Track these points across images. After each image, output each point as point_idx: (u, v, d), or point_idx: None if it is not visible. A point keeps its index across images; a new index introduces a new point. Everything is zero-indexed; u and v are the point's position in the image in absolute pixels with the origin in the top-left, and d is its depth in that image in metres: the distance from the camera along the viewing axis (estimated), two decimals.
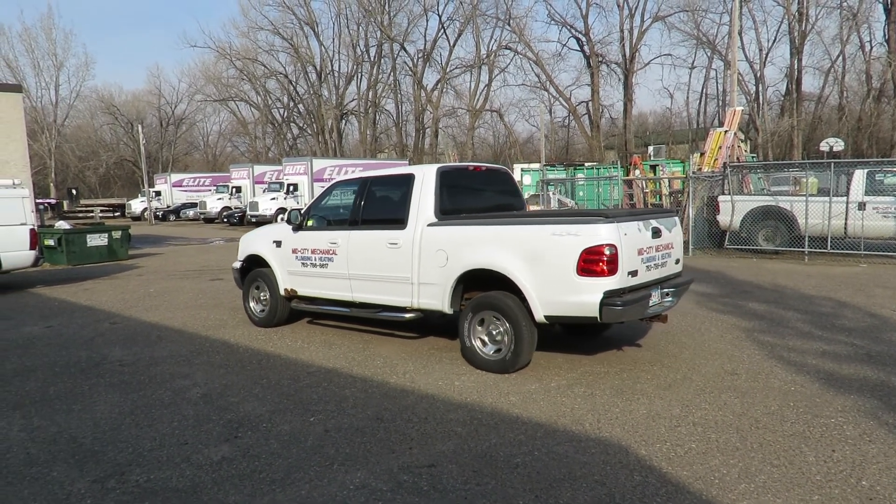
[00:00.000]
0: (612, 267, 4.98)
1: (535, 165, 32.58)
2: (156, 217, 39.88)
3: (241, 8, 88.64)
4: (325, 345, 6.76)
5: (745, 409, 4.55)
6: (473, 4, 50.51)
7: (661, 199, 15.85)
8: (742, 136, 20.86)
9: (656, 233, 5.56)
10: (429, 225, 6.09)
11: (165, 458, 3.95)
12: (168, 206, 42.77)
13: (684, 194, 15.18)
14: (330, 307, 7.17)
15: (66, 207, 43.52)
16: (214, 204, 35.83)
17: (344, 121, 59.22)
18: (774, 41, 45.87)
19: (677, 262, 6.03)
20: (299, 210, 7.44)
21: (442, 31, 53.62)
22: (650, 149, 37.38)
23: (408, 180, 6.42)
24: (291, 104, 60.84)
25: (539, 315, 5.35)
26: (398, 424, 4.41)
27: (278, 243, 7.59)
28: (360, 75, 57.26)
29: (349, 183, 7.27)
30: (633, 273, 5.22)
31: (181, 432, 4.37)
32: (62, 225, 17.40)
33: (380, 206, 6.80)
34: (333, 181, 7.76)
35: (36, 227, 12.27)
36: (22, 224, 11.64)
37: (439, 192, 6.18)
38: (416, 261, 6.11)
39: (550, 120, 55.76)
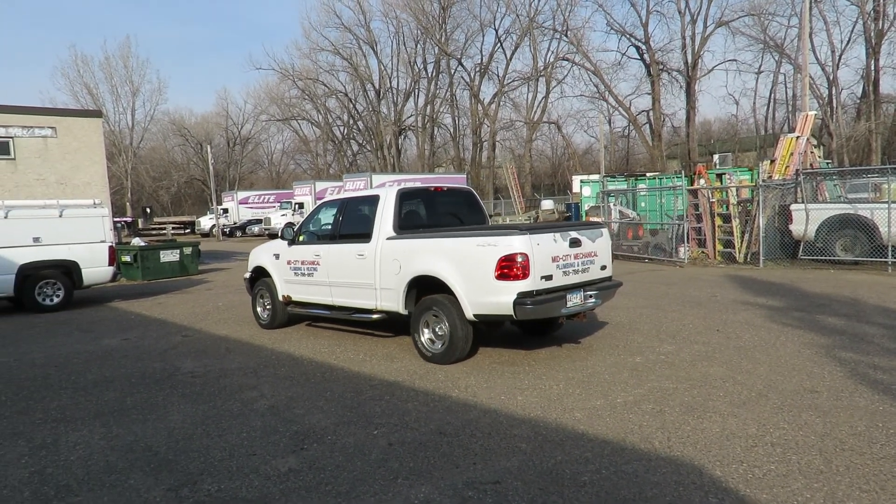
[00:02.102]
0: (525, 272, 5.78)
1: (595, 177, 32.06)
2: (223, 233, 41.41)
3: (303, 30, 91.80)
4: (387, 358, 6.80)
5: (829, 430, 4.28)
6: (530, 17, 50.50)
7: (727, 208, 15.25)
8: (815, 142, 19.97)
9: (575, 243, 6.27)
10: (387, 238, 7.00)
11: (235, 468, 4.04)
12: (235, 223, 44.32)
13: (753, 203, 14.58)
14: (316, 310, 8.16)
15: (140, 225, 45.72)
16: (278, 220, 36.87)
17: (402, 136, 60.08)
18: (849, 42, 43.78)
19: (603, 268, 6.74)
20: (293, 227, 8.46)
21: (499, 44, 53.82)
22: (715, 157, 36.12)
23: (375, 200, 7.32)
24: (351, 121, 62.24)
25: (469, 314, 6.16)
26: (461, 439, 4.37)
27: (277, 256, 8.62)
28: (417, 91, 58.07)
29: (333, 203, 8.25)
30: (548, 277, 5.99)
31: (250, 443, 4.46)
32: (137, 242, 18.29)
33: (353, 222, 7.68)
34: (321, 201, 8.70)
35: (114, 245, 12.93)
36: (102, 241, 12.30)
37: (398, 211, 7.11)
38: (378, 269, 7.04)
39: (610, 130, 54.95)
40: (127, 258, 16.76)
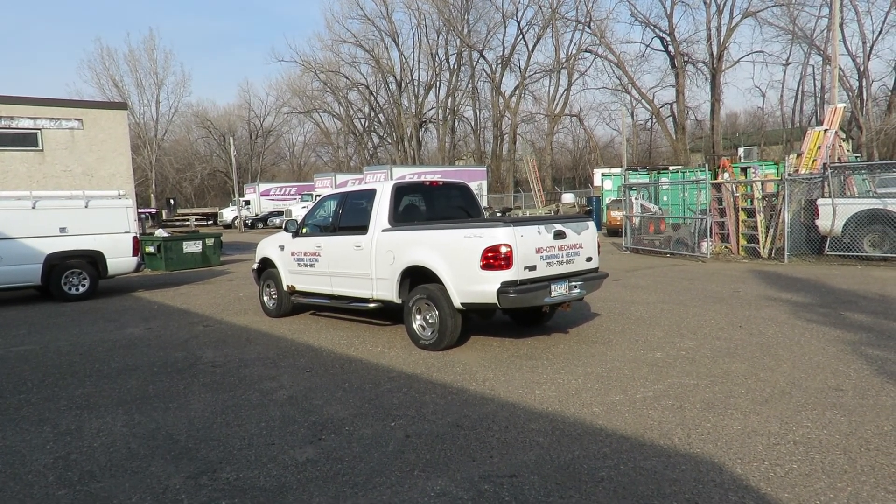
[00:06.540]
0: (508, 262, 6.02)
1: (617, 170, 31.74)
2: (245, 225, 41.82)
3: (325, 21, 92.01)
4: (406, 350, 6.81)
5: (854, 429, 4.20)
6: (553, 8, 50.05)
7: (752, 202, 14.99)
8: (843, 135, 19.52)
9: (559, 235, 6.48)
10: (383, 231, 7.27)
11: (254, 457, 4.08)
12: (256, 215, 44.78)
13: (779, 198, 14.32)
14: (317, 300, 8.47)
15: (164, 216, 46.32)
16: (299, 212, 37.15)
17: (423, 129, 60.05)
18: (881, 32, 42.71)
19: (589, 259, 6.94)
20: (296, 220, 8.85)
21: (521, 36, 53.50)
22: (740, 150, 35.61)
23: (372, 194, 7.58)
24: (372, 114, 62.40)
25: (456, 302, 6.41)
26: (478, 432, 4.36)
27: (282, 247, 8.95)
28: (438, 84, 57.98)
29: (334, 196, 8.54)
30: (531, 268, 6.21)
31: (268, 433, 4.50)
32: (161, 233, 18.55)
33: (352, 215, 7.94)
34: (323, 195, 8.98)
35: (138, 235, 13.11)
36: (126, 232, 12.49)
37: (393, 204, 7.35)
38: (374, 260, 7.31)
39: (632, 123, 54.35)
40: (151, 249, 17.00)
